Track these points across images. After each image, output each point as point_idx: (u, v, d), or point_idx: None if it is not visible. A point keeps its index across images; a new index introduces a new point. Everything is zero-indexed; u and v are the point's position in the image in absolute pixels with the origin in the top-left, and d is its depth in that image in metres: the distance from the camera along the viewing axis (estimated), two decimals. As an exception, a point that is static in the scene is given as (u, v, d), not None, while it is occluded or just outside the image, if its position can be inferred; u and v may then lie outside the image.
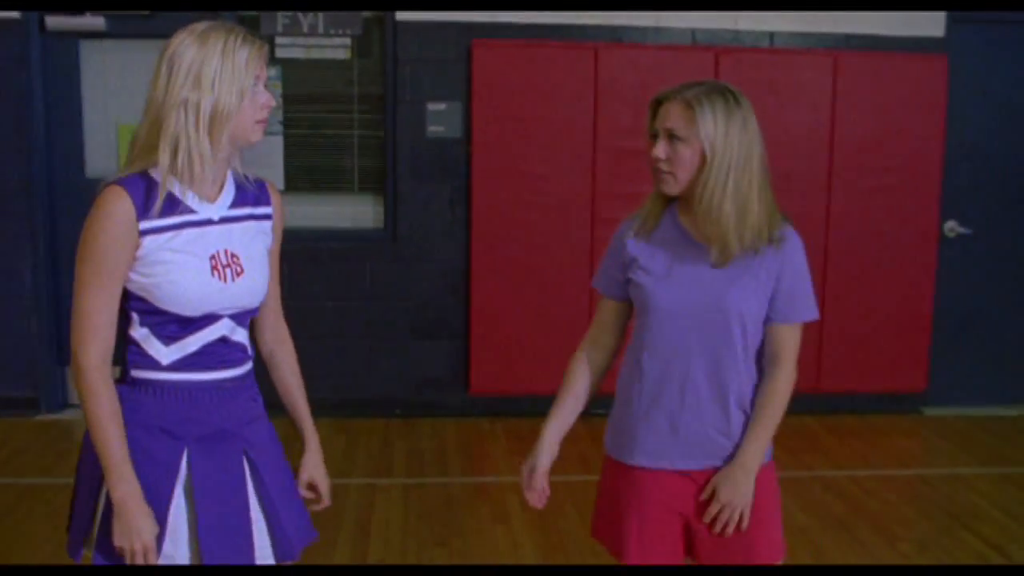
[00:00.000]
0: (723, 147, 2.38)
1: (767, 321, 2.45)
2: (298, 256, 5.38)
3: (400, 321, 6.21)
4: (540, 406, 6.33)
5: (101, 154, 6.11)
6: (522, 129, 6.01)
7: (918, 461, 5.85)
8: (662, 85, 6.65)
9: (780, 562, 2.53)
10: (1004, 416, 6.50)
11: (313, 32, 6.06)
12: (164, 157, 2.13)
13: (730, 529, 2.43)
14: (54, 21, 5.85)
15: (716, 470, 2.46)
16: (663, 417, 2.48)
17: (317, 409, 2.58)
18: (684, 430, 2.46)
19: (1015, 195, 6.50)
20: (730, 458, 2.45)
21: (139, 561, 2.15)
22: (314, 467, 2.50)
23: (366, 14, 6.10)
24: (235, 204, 2.28)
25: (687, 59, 6.07)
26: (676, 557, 2.53)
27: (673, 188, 2.45)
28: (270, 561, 2.33)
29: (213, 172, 2.21)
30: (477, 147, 6.02)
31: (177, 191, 2.17)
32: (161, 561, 2.20)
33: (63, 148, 6.05)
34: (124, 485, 2.14)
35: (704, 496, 2.46)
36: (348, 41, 6.14)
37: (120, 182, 2.15)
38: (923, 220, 6.33)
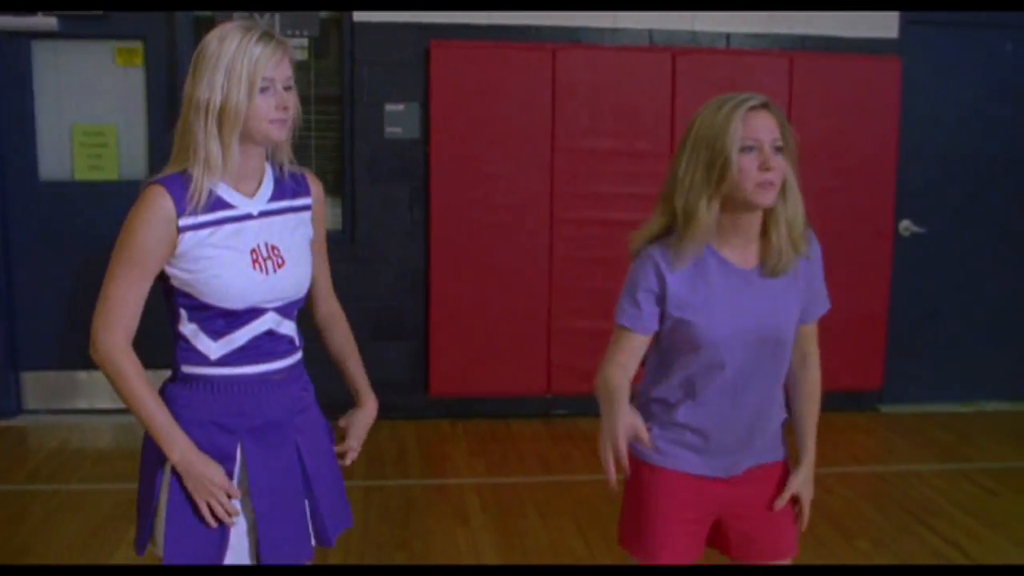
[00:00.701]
0: (796, 153, 2.38)
1: (800, 322, 2.49)
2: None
3: (359, 323, 6.10)
4: (500, 407, 6.42)
5: (55, 156, 6.03)
6: (480, 130, 6.01)
7: (875, 458, 5.90)
8: (620, 86, 6.71)
9: (796, 555, 2.62)
10: (959, 413, 6.58)
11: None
12: (193, 156, 2.19)
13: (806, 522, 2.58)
14: (4, 21, 5.76)
15: (749, 470, 2.51)
16: (715, 435, 2.45)
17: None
18: (731, 443, 2.47)
19: (969, 194, 6.58)
20: (761, 452, 2.51)
21: (220, 508, 2.23)
22: (360, 432, 2.64)
23: (323, 15, 6.07)
24: (274, 198, 2.35)
25: (644, 60, 6.10)
26: (698, 554, 2.56)
27: (775, 199, 2.33)
28: (312, 543, 2.42)
29: (247, 167, 2.27)
30: (435, 148, 6.01)
31: (216, 188, 2.23)
32: (228, 554, 2.27)
33: (15, 150, 5.96)
34: (177, 445, 2.22)
35: (784, 500, 2.55)
36: (305, 42, 6.11)
37: (160, 181, 2.21)
38: (878, 219, 6.39)
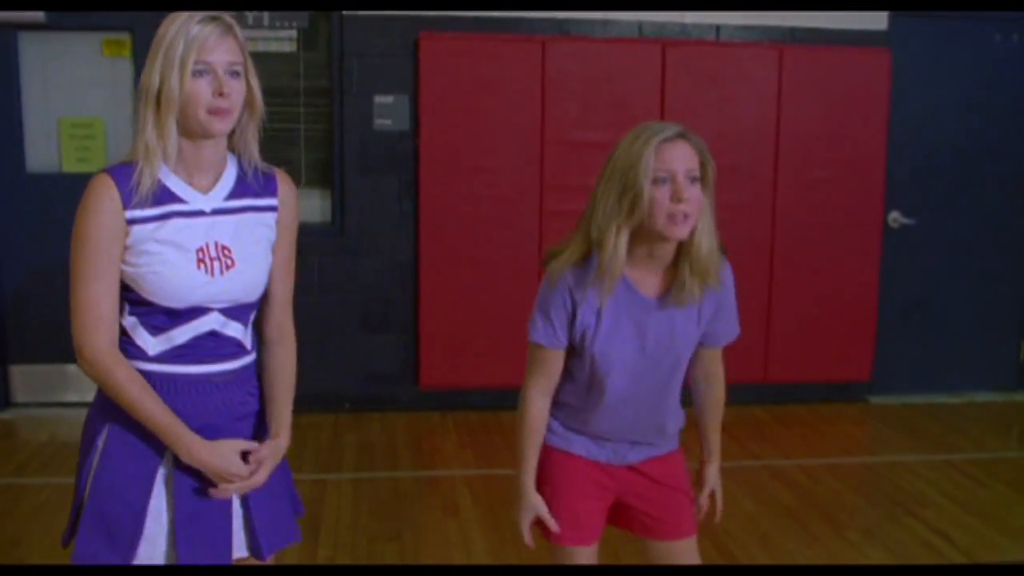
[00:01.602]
0: (711, 185, 2.38)
1: (700, 346, 2.58)
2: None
3: (349, 315, 6.18)
4: (490, 399, 6.41)
5: (42, 148, 6.00)
6: (470, 122, 6.00)
7: (864, 449, 5.92)
8: (610, 78, 6.71)
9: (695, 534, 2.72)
10: (947, 404, 6.60)
11: (258, 24, 6.00)
12: (136, 145, 2.12)
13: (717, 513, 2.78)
14: (-9, 12, 5.75)
15: (642, 462, 2.64)
16: (605, 436, 2.61)
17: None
18: (625, 443, 2.63)
19: (957, 186, 6.60)
20: (656, 449, 2.65)
21: (245, 488, 2.22)
22: (272, 456, 2.33)
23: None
24: (233, 195, 2.23)
25: (634, 52, 6.09)
26: (598, 534, 2.70)
27: (687, 232, 2.33)
28: (244, 555, 2.32)
29: (201, 160, 2.17)
30: (425, 140, 6.00)
31: (169, 180, 2.14)
32: (137, 562, 2.19)
33: (1, 143, 5.92)
34: (186, 446, 2.15)
35: (705, 494, 2.76)
36: (294, 34, 6.09)
37: (108, 170, 2.13)
38: (867, 211, 6.40)
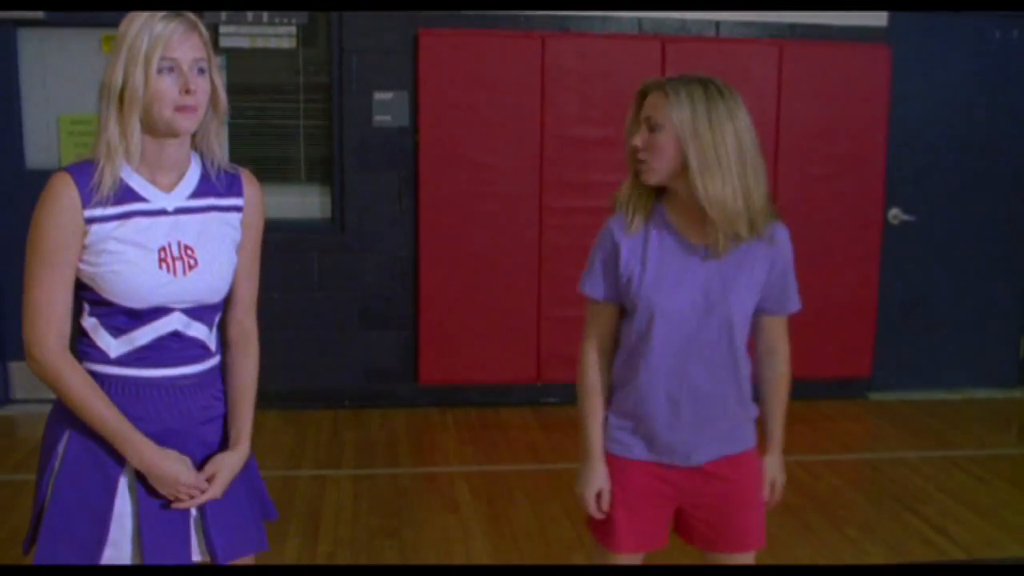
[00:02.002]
0: (706, 134, 2.35)
1: (758, 313, 2.51)
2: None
3: (348, 312, 6.17)
4: (490, 395, 6.41)
5: (41, 145, 6.00)
6: (469, 118, 6.00)
7: (864, 446, 5.92)
8: (609, 74, 6.71)
9: (763, 546, 2.60)
10: (947, 400, 6.60)
11: (258, 21, 5.99)
12: (98, 143, 2.09)
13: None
14: (-10, 9, 5.74)
15: (711, 462, 2.51)
16: (659, 418, 2.47)
17: (265, 401, 2.54)
18: (682, 430, 2.47)
19: (958, 182, 6.59)
20: (722, 441, 2.52)
21: (191, 502, 2.17)
22: (228, 468, 2.26)
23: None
24: (196, 194, 2.20)
25: (634, 48, 6.09)
26: (661, 542, 2.58)
27: (652, 177, 2.40)
28: (202, 558, 2.26)
29: (164, 159, 2.14)
30: (424, 136, 6.00)
31: (131, 179, 2.12)
32: (108, 551, 2.15)
33: (1, 139, 5.92)
34: (134, 449, 2.11)
35: (767, 487, 2.63)
36: (293, 30, 6.08)
37: (68, 168, 2.11)
38: (867, 208, 6.40)
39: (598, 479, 2.51)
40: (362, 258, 6.15)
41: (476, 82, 5.97)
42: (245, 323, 2.37)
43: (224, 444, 2.29)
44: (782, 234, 2.50)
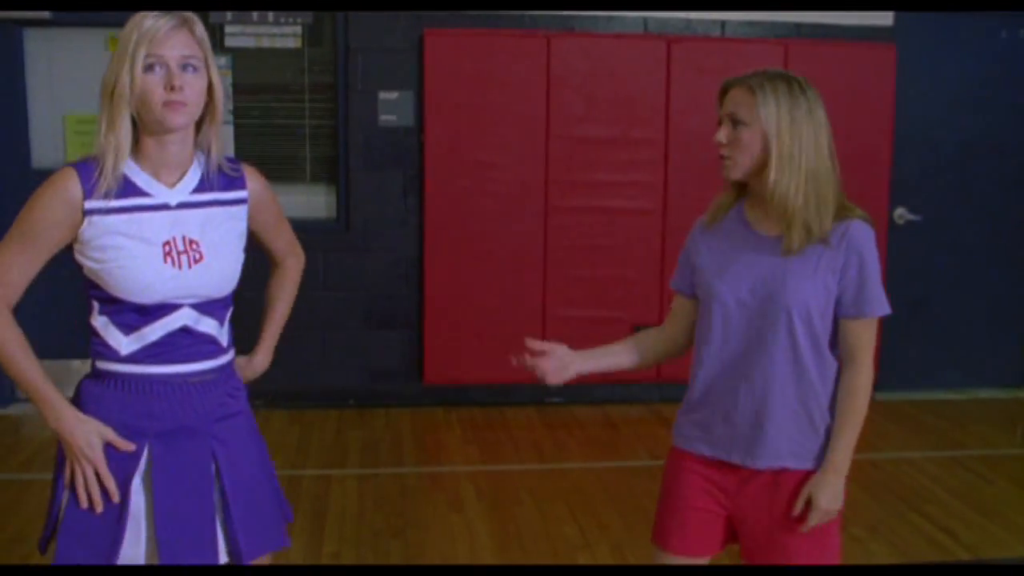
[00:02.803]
0: (787, 132, 2.37)
1: (837, 316, 2.39)
2: (250, 246, 5.32)
3: (353, 311, 6.18)
4: (494, 395, 6.41)
5: (47, 145, 6.02)
6: (475, 118, 6.00)
7: (869, 445, 5.87)
8: (614, 73, 6.71)
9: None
10: (953, 400, 6.59)
11: (263, 21, 6.00)
12: (96, 139, 2.14)
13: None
14: (-3, 8, 5.75)
15: (772, 472, 2.42)
16: (718, 408, 2.45)
17: (270, 401, 2.57)
18: (739, 423, 2.41)
19: (963, 182, 6.58)
20: (786, 454, 2.41)
21: (91, 477, 2.14)
22: (247, 367, 2.54)
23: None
24: (199, 189, 2.23)
25: (639, 47, 6.08)
26: (713, 548, 2.52)
27: (734, 172, 2.40)
28: (226, 560, 2.28)
29: (166, 156, 2.17)
30: (429, 136, 6.00)
31: (136, 176, 2.15)
32: (120, 560, 2.16)
33: (7, 138, 5.94)
34: (52, 408, 2.16)
35: (800, 503, 2.41)
36: (299, 30, 6.09)
37: (73, 163, 2.15)
38: (873, 207, 6.30)
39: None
40: (367, 257, 6.15)
41: (481, 82, 5.98)
42: (285, 258, 2.56)
43: (243, 441, 2.32)
44: (860, 233, 2.38)
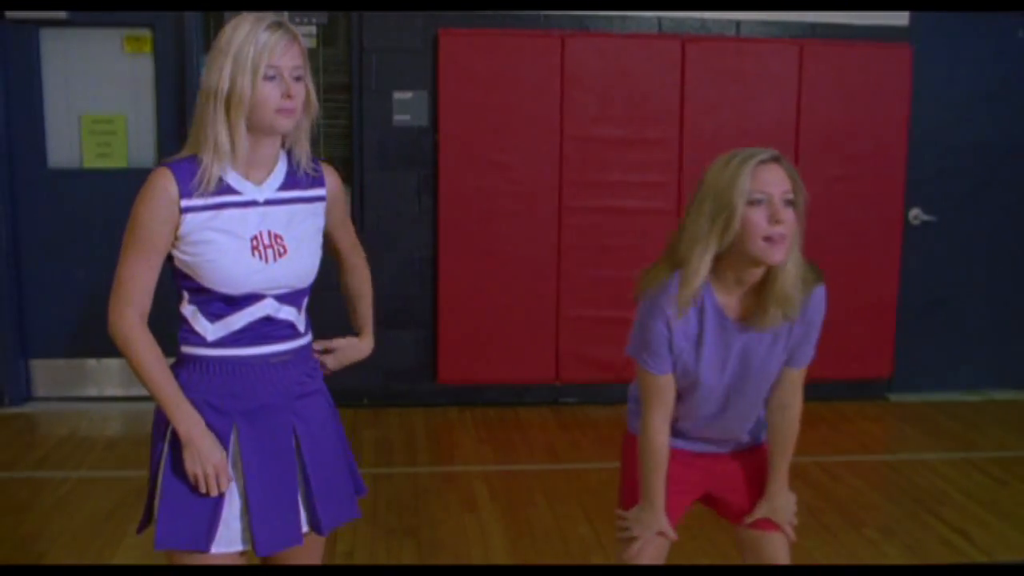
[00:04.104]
0: (802, 213, 2.40)
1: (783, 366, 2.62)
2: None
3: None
4: (508, 395, 6.42)
5: (63, 144, 6.04)
6: (489, 118, 6.00)
7: (883, 447, 5.90)
8: (629, 73, 6.69)
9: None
10: (968, 402, 6.57)
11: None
12: (203, 142, 2.23)
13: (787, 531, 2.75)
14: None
15: (737, 451, 2.76)
16: (694, 436, 2.72)
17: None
18: (711, 440, 2.73)
19: (979, 182, 6.55)
20: (745, 444, 2.76)
21: (212, 484, 2.25)
22: (345, 351, 2.76)
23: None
24: (284, 187, 2.36)
25: (653, 47, 6.08)
26: (678, 516, 2.75)
27: (784, 255, 2.36)
28: (305, 530, 2.41)
29: (258, 156, 2.29)
30: (444, 136, 6.01)
31: (225, 174, 2.25)
32: (216, 544, 2.28)
33: (24, 139, 5.97)
34: (184, 417, 2.25)
35: (752, 519, 2.73)
36: (313, 30, 6.10)
37: (166, 164, 2.26)
38: (888, 208, 6.37)
39: (659, 526, 2.64)
40: (381, 257, 6.15)
41: (496, 82, 5.98)
42: (353, 257, 2.77)
43: (321, 418, 2.47)
44: (820, 304, 2.52)
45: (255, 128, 2.25)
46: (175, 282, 2.32)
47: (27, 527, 4.37)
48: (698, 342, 2.49)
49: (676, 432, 2.67)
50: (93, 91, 6.01)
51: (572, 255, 6.12)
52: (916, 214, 6.50)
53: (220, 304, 2.28)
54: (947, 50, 6.42)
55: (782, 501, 2.72)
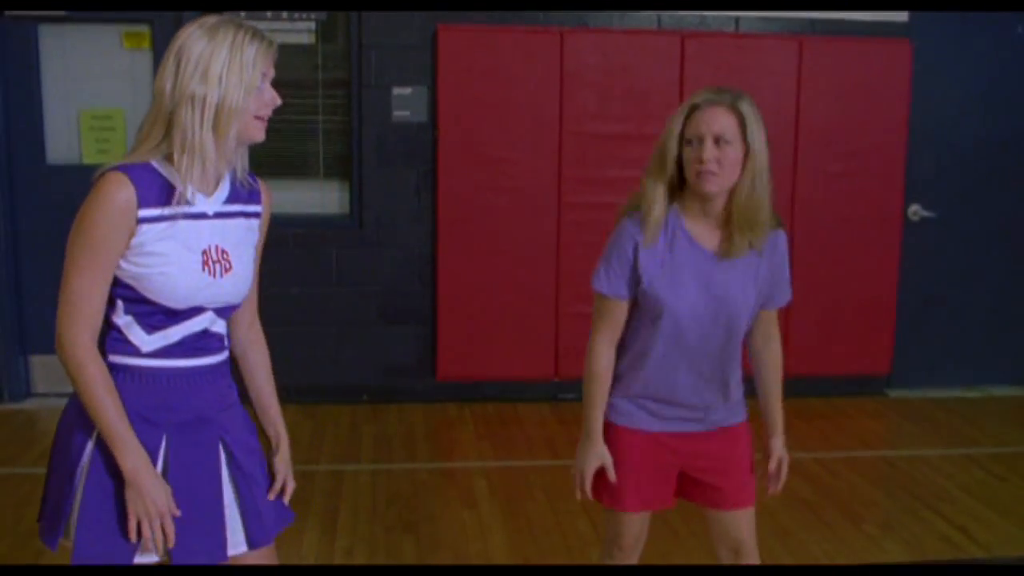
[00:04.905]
0: (762, 150, 2.60)
1: (760, 308, 2.78)
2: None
3: (367, 307, 6.19)
4: (507, 391, 6.42)
5: (62, 140, 6.03)
6: (488, 114, 6.00)
7: (883, 443, 5.90)
8: (628, 69, 6.68)
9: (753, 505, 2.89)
10: (967, 398, 6.57)
11: (277, 17, 6.01)
12: (175, 150, 2.15)
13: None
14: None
15: (712, 431, 2.80)
16: (664, 396, 2.75)
17: (284, 395, 2.58)
18: (687, 405, 2.76)
19: (978, 178, 6.55)
20: (727, 412, 2.82)
21: (156, 527, 2.17)
22: (286, 470, 2.49)
23: (330, -2, 6.06)
24: (229, 200, 2.29)
25: (653, 43, 6.07)
26: (667, 502, 2.87)
27: (715, 188, 2.58)
28: (242, 548, 2.33)
29: (215, 167, 2.22)
30: (443, 132, 6.00)
31: (177, 183, 2.17)
32: (141, 554, 2.21)
33: (22, 134, 5.96)
34: (132, 455, 2.16)
35: (773, 464, 2.88)
36: (313, 25, 6.10)
37: (123, 169, 2.15)
38: (887, 204, 6.37)
39: (599, 456, 2.79)
40: (380, 254, 6.16)
41: (495, 77, 5.97)
42: (254, 321, 2.53)
43: (243, 428, 2.40)
44: (782, 241, 2.75)
45: (235, 139, 2.21)
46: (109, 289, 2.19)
47: (27, 523, 4.36)
48: (670, 268, 2.63)
49: (650, 409, 2.76)
50: (92, 87, 6.00)
51: (571, 251, 6.12)
52: (915, 210, 6.50)
53: (161, 316, 2.20)
54: (947, 46, 6.42)
55: (781, 449, 2.88)
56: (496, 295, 6.13)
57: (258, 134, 2.23)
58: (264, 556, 2.40)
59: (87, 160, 6.02)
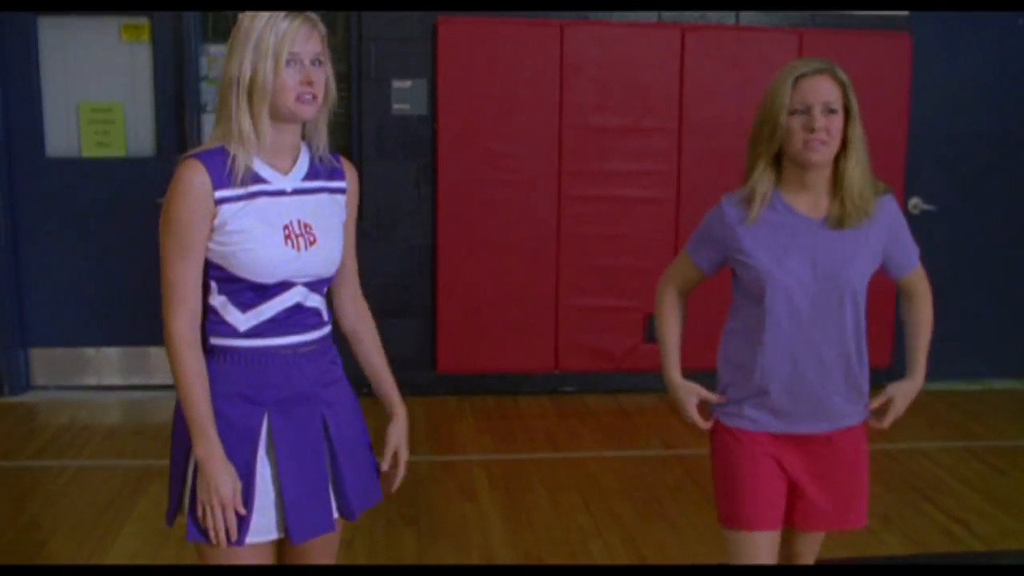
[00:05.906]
0: (858, 118, 2.61)
1: (893, 279, 2.78)
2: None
3: (367, 300, 6.16)
4: (508, 384, 6.41)
5: (62, 133, 6.03)
6: (488, 106, 5.99)
7: (883, 436, 5.82)
8: (628, 62, 6.67)
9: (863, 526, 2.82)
10: (967, 391, 6.57)
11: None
12: (228, 131, 2.23)
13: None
14: (12, -3, 5.75)
15: (833, 432, 2.71)
16: (784, 387, 2.62)
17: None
18: (806, 398, 2.64)
19: (979, 172, 6.55)
20: (845, 417, 2.74)
21: (219, 515, 2.23)
22: (400, 440, 2.68)
23: (330, -10, 6.05)
24: (308, 176, 2.37)
25: (653, 36, 6.06)
26: (780, 513, 2.69)
27: (824, 156, 2.54)
28: (335, 517, 2.43)
29: (282, 144, 2.30)
30: (443, 125, 6.00)
31: (252, 162, 2.25)
32: (251, 534, 2.28)
33: (22, 127, 5.95)
34: (205, 443, 2.22)
35: (878, 403, 2.85)
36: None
37: (195, 155, 2.25)
38: (887, 197, 6.35)
39: (692, 392, 2.75)
40: (380, 246, 6.15)
41: (495, 70, 5.97)
42: (360, 300, 2.68)
43: (345, 405, 2.51)
44: (895, 206, 2.68)
45: (277, 116, 2.25)
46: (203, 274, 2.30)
47: (27, 516, 4.37)
48: (774, 243, 2.56)
49: (763, 404, 2.63)
50: (91, 79, 6.00)
51: (571, 244, 6.11)
52: (916, 203, 6.49)
53: (251, 293, 2.28)
54: (947, 39, 6.41)
55: (909, 387, 2.88)
56: (496, 288, 6.13)
57: (301, 111, 2.26)
58: (328, 540, 2.47)
59: (86, 153, 6.01)
